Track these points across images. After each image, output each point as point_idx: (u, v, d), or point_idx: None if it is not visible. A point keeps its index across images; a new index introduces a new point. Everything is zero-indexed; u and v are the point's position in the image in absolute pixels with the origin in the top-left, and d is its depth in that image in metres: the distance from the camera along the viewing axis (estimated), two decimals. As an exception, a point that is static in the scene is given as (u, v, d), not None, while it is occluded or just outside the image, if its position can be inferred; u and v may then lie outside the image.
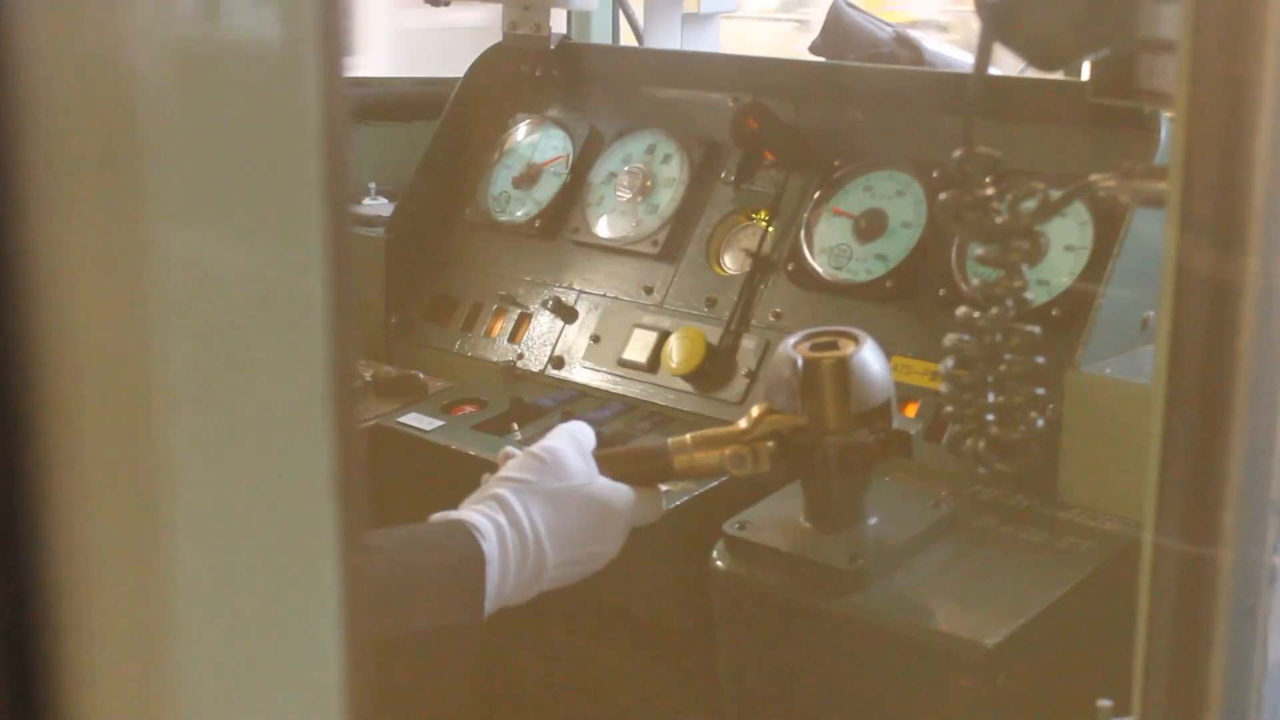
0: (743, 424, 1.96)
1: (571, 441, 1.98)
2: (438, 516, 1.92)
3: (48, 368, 0.47)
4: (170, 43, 0.49)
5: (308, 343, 0.54)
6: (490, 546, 1.86)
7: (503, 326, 2.82)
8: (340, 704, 0.58)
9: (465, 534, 1.87)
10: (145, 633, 0.50)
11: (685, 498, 2.15)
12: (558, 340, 2.73)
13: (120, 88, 0.47)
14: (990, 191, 1.64)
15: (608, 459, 1.99)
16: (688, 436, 1.99)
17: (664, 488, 2.06)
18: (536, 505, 1.91)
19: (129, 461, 0.49)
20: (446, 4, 3.11)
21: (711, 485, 2.16)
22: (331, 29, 0.55)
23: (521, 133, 3.00)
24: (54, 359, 0.47)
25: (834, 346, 1.94)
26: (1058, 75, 2.39)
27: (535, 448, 1.97)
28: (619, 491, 1.96)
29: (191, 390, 0.50)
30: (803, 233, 2.54)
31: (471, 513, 1.90)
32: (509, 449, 2.04)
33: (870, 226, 2.50)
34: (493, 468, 2.00)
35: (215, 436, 0.52)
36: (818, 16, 3.07)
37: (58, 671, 0.49)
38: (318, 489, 0.55)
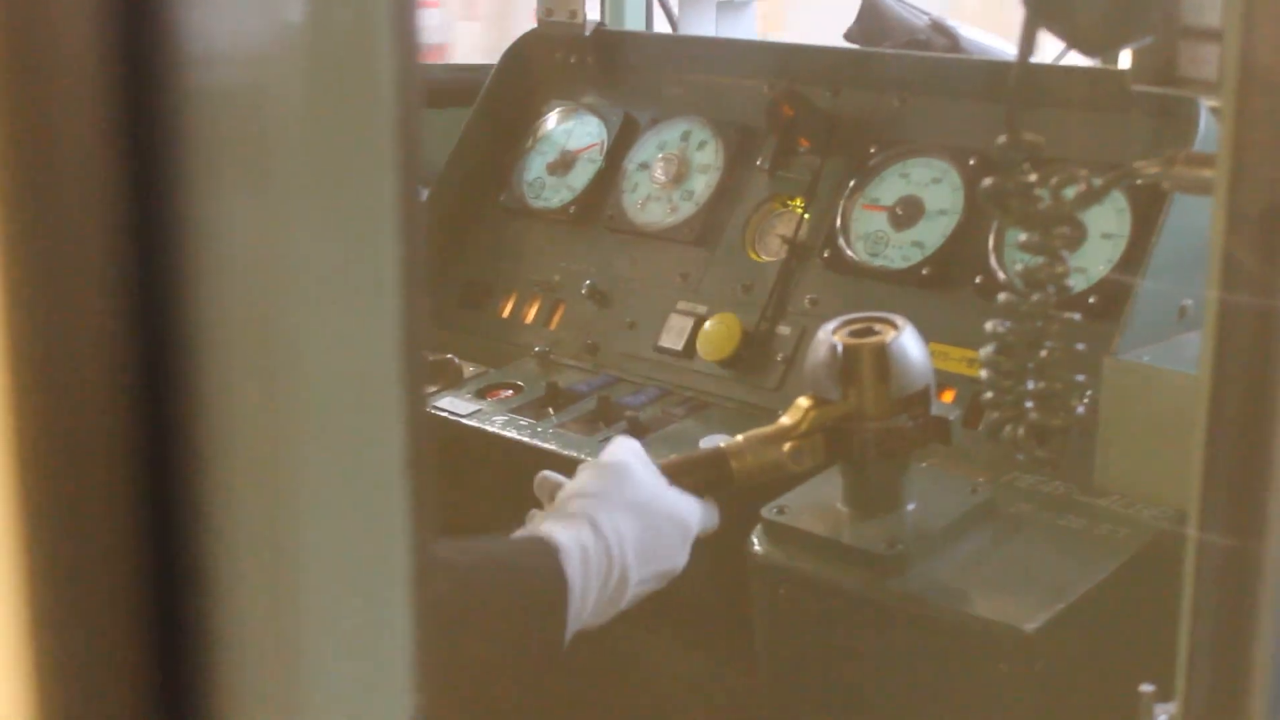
0: (787, 419, 1.95)
1: (634, 454, 1.95)
2: (521, 533, 1.86)
3: (194, 361, 0.48)
4: (283, 28, 0.50)
5: (381, 323, 0.55)
6: (574, 570, 1.78)
7: (538, 312, 2.83)
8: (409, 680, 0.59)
9: (548, 556, 1.79)
10: (276, 606, 0.52)
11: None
12: (593, 326, 2.74)
13: (251, 80, 0.48)
14: (1033, 178, 1.64)
15: (667, 468, 1.96)
16: (740, 438, 1.98)
17: None
18: (623, 521, 1.85)
19: (267, 456, 0.50)
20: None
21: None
22: (404, 15, 0.56)
23: (556, 119, 3.00)
24: (199, 351, 0.48)
25: (872, 332, 1.94)
26: (1095, 62, 2.39)
27: (605, 460, 1.93)
28: (688, 503, 1.93)
29: (308, 375, 0.51)
30: (838, 220, 2.54)
31: (557, 530, 1.82)
32: (547, 474, 2.00)
33: (906, 214, 2.50)
34: (528, 451, 1.99)
35: (318, 415, 0.53)
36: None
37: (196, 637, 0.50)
38: (392, 469, 0.57)
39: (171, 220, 0.47)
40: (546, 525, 1.84)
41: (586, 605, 1.81)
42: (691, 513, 1.93)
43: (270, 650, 0.53)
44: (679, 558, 1.91)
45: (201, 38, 0.48)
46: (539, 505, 1.97)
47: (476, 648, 1.77)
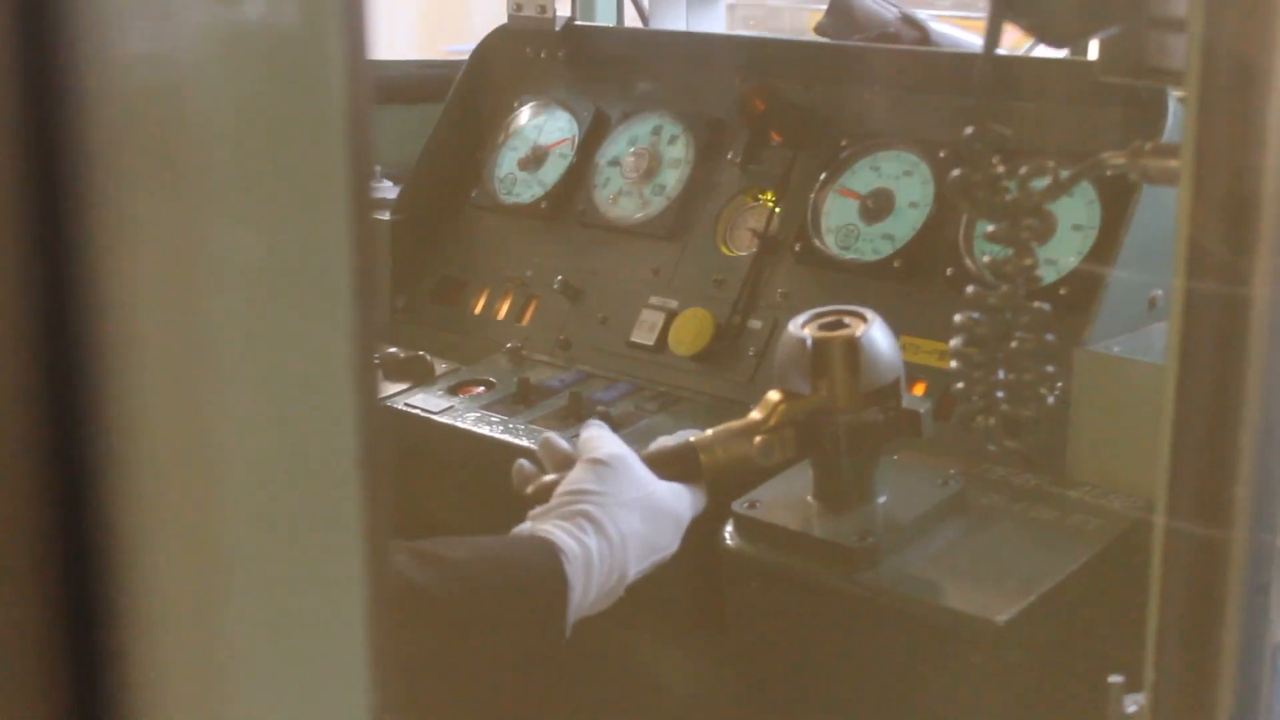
0: (757, 413, 1.95)
1: (619, 445, 1.95)
2: (521, 529, 1.86)
3: (107, 359, 0.48)
4: (209, 29, 0.50)
5: (333, 322, 0.55)
6: (575, 570, 1.79)
7: (509, 308, 2.82)
8: (365, 675, 0.58)
9: (549, 555, 1.79)
10: (193, 598, 0.51)
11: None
12: (565, 321, 2.73)
13: (169, 77, 0.48)
14: (1001, 169, 1.64)
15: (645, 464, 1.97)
16: (709, 433, 1.99)
17: None
18: (624, 519, 1.86)
19: (186, 451, 0.49)
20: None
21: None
22: (353, 9, 0.55)
23: (527, 115, 3.00)
24: (113, 349, 0.48)
25: (841, 325, 1.94)
26: (1064, 53, 2.39)
27: (600, 455, 1.93)
28: (679, 492, 1.94)
29: (234, 373, 0.51)
30: (809, 213, 2.54)
31: (557, 530, 1.83)
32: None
33: (877, 206, 2.50)
34: (500, 447, 1.99)
35: (252, 418, 0.53)
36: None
37: (112, 645, 0.49)
38: (343, 468, 0.56)
39: (85, 224, 0.46)
40: (548, 525, 1.83)
41: (587, 600, 1.82)
42: (685, 501, 1.94)
43: (199, 672, 0.53)
44: (674, 545, 1.93)
45: (115, 37, 0.47)
46: (515, 503, 1.97)
47: (475, 647, 1.77)
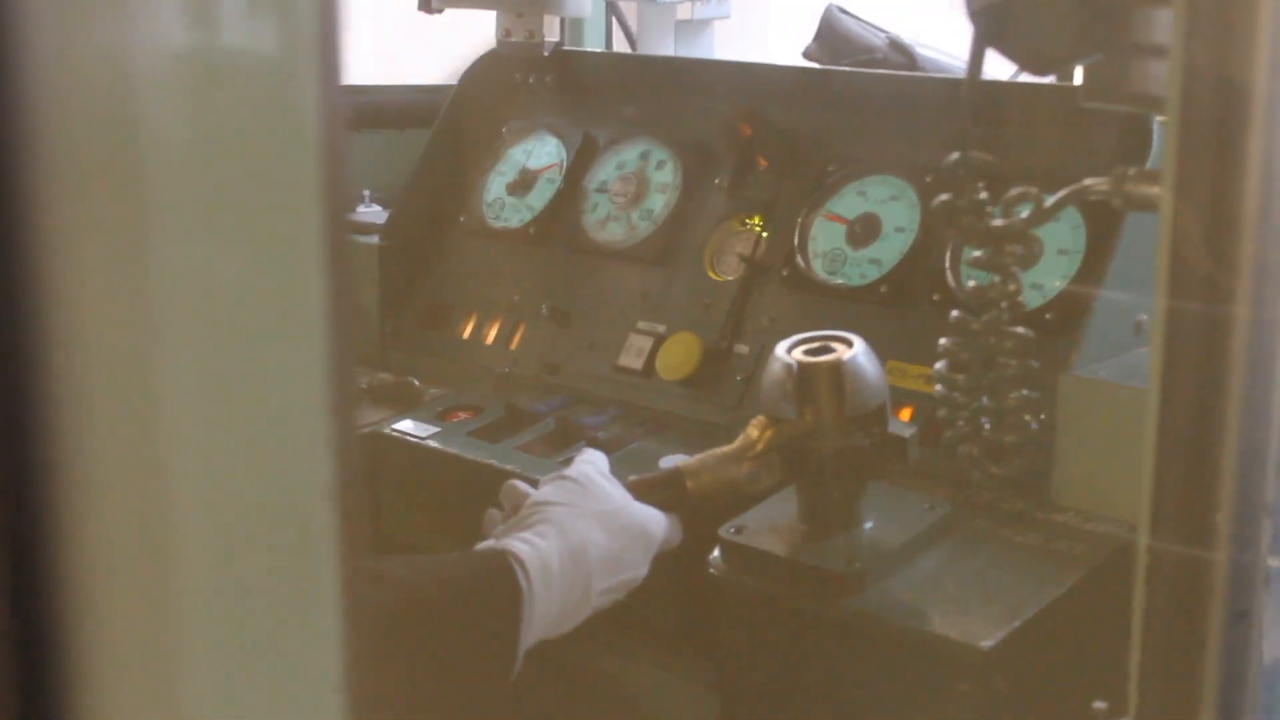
0: (744, 439, 1.96)
1: (595, 468, 1.96)
2: (483, 545, 1.85)
3: (53, 375, 0.47)
4: (170, 52, 0.49)
5: (306, 350, 0.55)
6: (534, 580, 1.78)
7: (498, 333, 2.82)
8: (340, 705, 0.58)
9: (503, 569, 1.78)
10: (149, 634, 0.51)
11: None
12: (553, 346, 2.73)
13: (121, 99, 0.48)
14: (985, 195, 1.65)
15: (626, 489, 1.98)
16: (696, 458, 1.99)
17: None
18: (587, 530, 1.86)
19: (132, 468, 0.49)
20: (440, 11, 3.12)
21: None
22: (327, 38, 0.55)
23: (516, 140, 3.00)
24: (59, 366, 0.47)
25: (827, 351, 1.94)
26: (1050, 80, 2.40)
27: (569, 472, 1.94)
28: (653, 515, 1.94)
29: (192, 397, 0.50)
30: (796, 238, 2.54)
31: (515, 541, 1.82)
32: (514, 482, 2.01)
33: (864, 231, 2.50)
34: (487, 472, 1.99)
35: (216, 444, 0.52)
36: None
37: (63, 675, 0.49)
38: (317, 496, 0.56)
39: (29, 233, 0.46)
40: (508, 538, 1.84)
41: (549, 614, 1.81)
42: (655, 523, 1.94)
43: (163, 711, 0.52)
44: (641, 568, 1.93)
45: (69, 45, 0.47)
46: (493, 507, 1.99)
47: (426, 661, 1.77)
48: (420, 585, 1.78)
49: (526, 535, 1.83)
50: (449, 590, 1.80)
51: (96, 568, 0.48)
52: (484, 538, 1.95)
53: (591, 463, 1.99)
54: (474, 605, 1.80)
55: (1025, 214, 1.72)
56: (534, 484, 2.02)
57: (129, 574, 0.49)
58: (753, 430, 1.95)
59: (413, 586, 1.77)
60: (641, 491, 1.98)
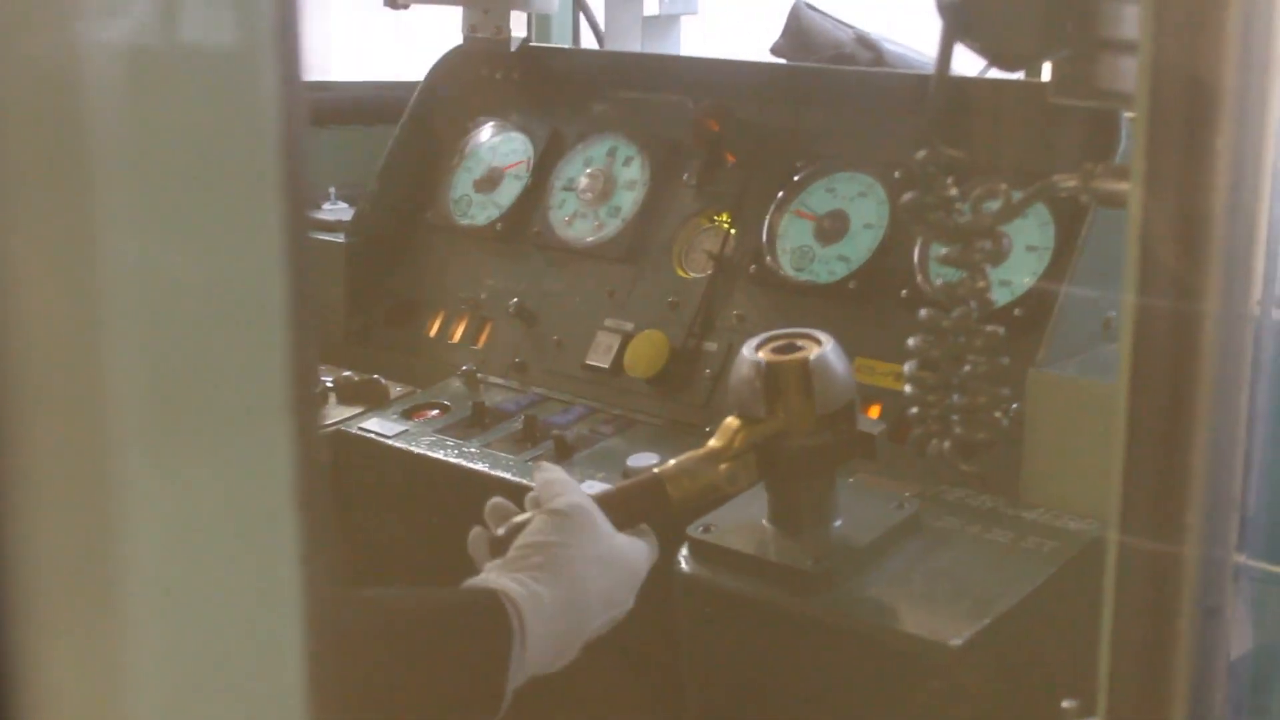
0: (717, 441, 1.93)
1: (580, 494, 1.90)
2: (477, 581, 1.79)
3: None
4: (123, 47, 0.48)
5: (267, 348, 0.54)
6: (529, 623, 1.74)
7: (464, 331, 2.81)
8: (301, 705, 0.57)
9: (492, 601, 1.74)
10: (98, 639, 0.50)
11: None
12: (520, 344, 2.72)
13: (70, 92, 0.46)
14: (954, 192, 1.64)
15: (605, 502, 1.90)
16: (672, 463, 1.95)
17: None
18: (584, 573, 1.80)
19: (81, 469, 0.48)
20: (405, 7, 3.10)
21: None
22: (288, 33, 0.54)
23: (482, 136, 2.99)
24: (4, 365, 0.46)
25: (795, 349, 1.93)
26: (1018, 75, 2.40)
27: (560, 505, 1.87)
28: (640, 549, 1.89)
29: (146, 396, 0.49)
30: (765, 235, 2.54)
31: (510, 581, 1.77)
32: (500, 500, 1.94)
33: (832, 228, 2.50)
34: (454, 471, 1.96)
35: (171, 443, 0.51)
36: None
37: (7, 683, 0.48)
38: (278, 497, 0.55)
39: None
40: (505, 579, 1.79)
41: (542, 657, 1.77)
42: (642, 558, 1.89)
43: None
44: (630, 602, 1.88)
45: (13, 47, 0.46)
46: (470, 527, 1.93)
47: (414, 699, 1.74)
48: (407, 613, 1.76)
49: (522, 577, 1.78)
50: (436, 621, 1.77)
51: (38, 573, 0.46)
52: (468, 555, 1.91)
53: (574, 485, 1.92)
54: (462, 640, 1.76)
55: (994, 210, 1.72)
56: (509, 493, 1.96)
57: (72, 578, 0.48)
58: (726, 431, 1.93)
59: (399, 614, 1.75)
60: (620, 504, 1.92)
